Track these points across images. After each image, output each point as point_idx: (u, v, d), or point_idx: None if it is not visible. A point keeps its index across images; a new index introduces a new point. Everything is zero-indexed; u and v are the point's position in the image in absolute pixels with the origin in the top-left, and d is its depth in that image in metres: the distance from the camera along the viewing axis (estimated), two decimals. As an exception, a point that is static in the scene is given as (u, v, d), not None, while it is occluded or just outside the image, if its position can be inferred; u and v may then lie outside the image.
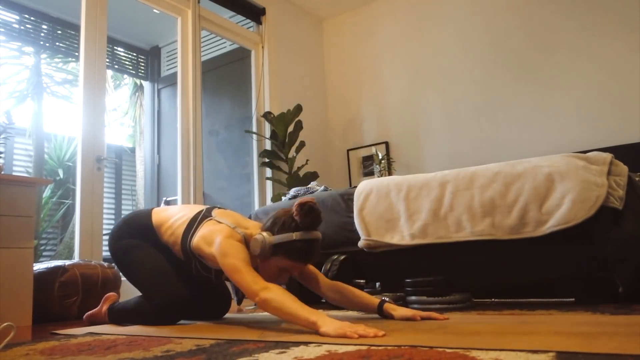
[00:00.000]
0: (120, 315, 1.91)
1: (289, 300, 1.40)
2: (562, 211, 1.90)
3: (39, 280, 2.23)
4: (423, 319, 1.58)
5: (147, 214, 1.95)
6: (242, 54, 4.68)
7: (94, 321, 2.01)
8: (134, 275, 1.88)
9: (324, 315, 1.35)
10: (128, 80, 7.27)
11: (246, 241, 1.68)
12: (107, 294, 2.08)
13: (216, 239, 1.64)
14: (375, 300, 1.72)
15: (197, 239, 1.74)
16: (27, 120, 5.97)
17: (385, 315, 1.68)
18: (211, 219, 1.80)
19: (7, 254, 1.97)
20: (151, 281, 1.82)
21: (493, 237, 2.05)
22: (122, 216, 2.01)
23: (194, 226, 1.79)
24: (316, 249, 1.62)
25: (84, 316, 2.07)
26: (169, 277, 1.81)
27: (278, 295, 1.42)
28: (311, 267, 1.80)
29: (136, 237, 1.91)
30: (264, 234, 1.61)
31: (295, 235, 1.58)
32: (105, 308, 1.98)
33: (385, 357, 0.94)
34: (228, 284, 2.78)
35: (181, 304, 1.79)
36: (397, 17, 4.74)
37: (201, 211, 1.85)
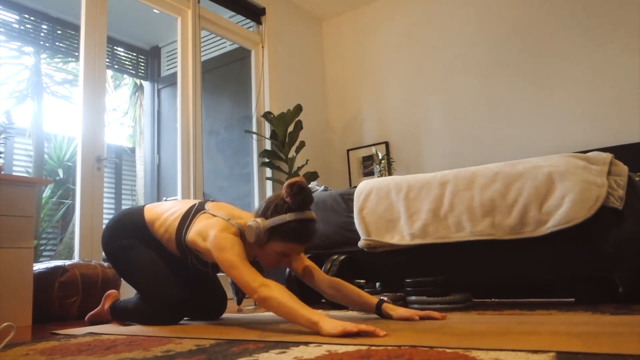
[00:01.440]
0: (122, 314, 1.91)
1: (289, 299, 1.39)
2: (562, 211, 1.90)
3: (39, 280, 2.23)
4: (422, 318, 1.58)
5: (139, 212, 1.92)
6: (242, 54, 4.68)
7: (96, 321, 2.01)
8: (131, 278, 1.87)
9: (324, 315, 1.35)
10: (128, 80, 7.27)
11: (241, 233, 1.66)
12: (108, 292, 2.08)
13: (210, 233, 1.61)
14: (373, 299, 1.72)
15: (192, 234, 1.71)
16: (27, 120, 5.98)
17: (383, 315, 1.68)
18: (205, 212, 1.76)
19: (7, 254, 1.97)
20: (149, 285, 1.81)
21: (493, 237, 2.05)
22: (114, 215, 1.97)
23: (188, 220, 1.76)
24: (311, 228, 1.62)
25: (86, 317, 2.06)
26: (167, 280, 1.80)
27: (277, 293, 1.40)
28: (310, 263, 1.80)
29: (130, 236, 1.88)
30: (258, 220, 1.60)
31: (288, 217, 1.57)
32: (107, 306, 1.98)
33: (385, 357, 0.94)
34: (229, 284, 2.78)
35: (180, 306, 1.79)
36: (397, 17, 4.74)
37: (194, 205, 1.82)
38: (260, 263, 1.70)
